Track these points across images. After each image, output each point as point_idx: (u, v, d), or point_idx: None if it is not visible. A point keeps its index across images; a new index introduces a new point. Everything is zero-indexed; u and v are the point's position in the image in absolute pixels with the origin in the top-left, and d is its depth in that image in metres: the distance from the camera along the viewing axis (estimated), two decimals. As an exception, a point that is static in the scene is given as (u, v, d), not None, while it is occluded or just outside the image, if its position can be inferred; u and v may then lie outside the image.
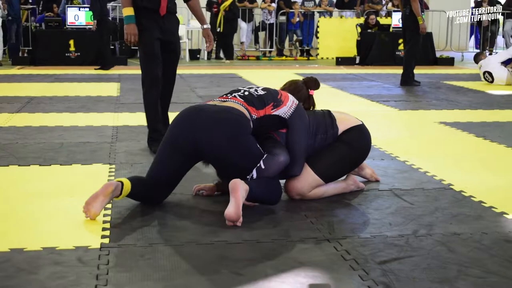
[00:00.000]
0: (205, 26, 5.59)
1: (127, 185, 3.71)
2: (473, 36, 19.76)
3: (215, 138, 3.70)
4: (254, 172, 3.76)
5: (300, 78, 4.56)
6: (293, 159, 3.94)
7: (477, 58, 11.73)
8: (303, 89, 4.37)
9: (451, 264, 3.01)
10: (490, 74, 10.88)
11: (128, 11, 5.23)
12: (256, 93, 3.99)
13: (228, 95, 3.99)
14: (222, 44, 16.36)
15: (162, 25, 5.33)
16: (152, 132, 5.43)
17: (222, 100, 3.93)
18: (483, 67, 11.04)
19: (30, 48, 14.91)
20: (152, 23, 5.29)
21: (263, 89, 4.05)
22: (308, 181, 4.01)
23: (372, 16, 15.87)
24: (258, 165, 3.77)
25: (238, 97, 3.93)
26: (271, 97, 3.97)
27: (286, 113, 3.95)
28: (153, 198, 3.92)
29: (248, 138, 3.80)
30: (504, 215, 3.77)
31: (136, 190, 3.77)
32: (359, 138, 4.19)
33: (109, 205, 3.84)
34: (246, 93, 3.98)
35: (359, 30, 15.96)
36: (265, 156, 3.81)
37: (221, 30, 15.92)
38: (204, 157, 3.88)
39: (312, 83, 4.43)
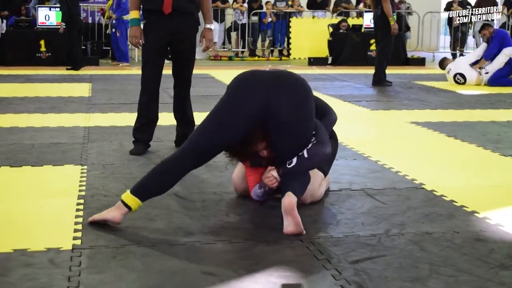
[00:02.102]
0: (207, 26, 5.32)
1: (135, 205, 3.46)
2: (448, 36, 19.86)
3: (290, 101, 3.47)
4: (295, 160, 3.54)
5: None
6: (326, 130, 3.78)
7: (442, 64, 11.85)
8: None
9: (423, 263, 3.02)
10: (462, 75, 10.94)
11: (133, 14, 5.17)
12: None
13: None
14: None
15: (168, 25, 5.12)
16: (135, 132, 5.36)
17: None
18: (453, 70, 11.10)
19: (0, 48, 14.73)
20: (155, 25, 5.15)
21: None
22: (316, 178, 3.87)
23: (344, 24, 15.93)
24: (301, 153, 3.54)
25: None
26: None
27: None
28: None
29: (313, 109, 3.59)
30: (475, 214, 3.80)
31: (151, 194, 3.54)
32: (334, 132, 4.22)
33: (81, 206, 3.82)
34: None
35: (331, 30, 16.01)
36: (311, 144, 3.57)
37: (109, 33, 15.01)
38: (266, 123, 3.49)
39: None
